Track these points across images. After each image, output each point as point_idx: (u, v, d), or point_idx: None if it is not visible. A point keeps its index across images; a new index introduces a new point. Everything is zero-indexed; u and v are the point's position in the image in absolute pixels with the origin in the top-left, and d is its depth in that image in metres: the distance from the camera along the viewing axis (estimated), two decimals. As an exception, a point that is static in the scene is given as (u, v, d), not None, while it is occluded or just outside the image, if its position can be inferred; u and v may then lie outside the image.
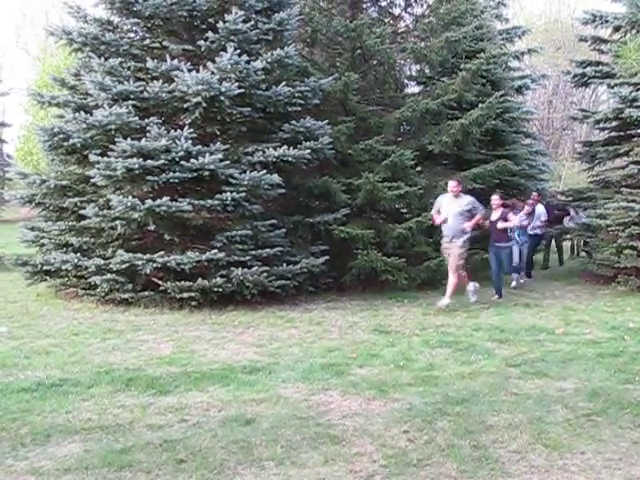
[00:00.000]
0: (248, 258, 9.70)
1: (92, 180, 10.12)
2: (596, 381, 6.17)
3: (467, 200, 10.08)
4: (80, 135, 10.19)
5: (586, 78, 15.31)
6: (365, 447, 4.54)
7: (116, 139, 9.74)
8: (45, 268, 10.37)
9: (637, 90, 13.31)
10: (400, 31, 14.12)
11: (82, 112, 10.15)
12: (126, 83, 10.02)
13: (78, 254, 10.13)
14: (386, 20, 14.03)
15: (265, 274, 9.58)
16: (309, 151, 10.38)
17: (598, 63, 15.40)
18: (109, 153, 9.80)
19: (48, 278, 10.71)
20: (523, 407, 5.38)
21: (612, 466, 4.26)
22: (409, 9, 14.31)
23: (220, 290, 9.44)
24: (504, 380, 6.20)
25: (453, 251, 9.98)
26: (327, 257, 10.46)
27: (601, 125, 14.96)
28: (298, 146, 10.37)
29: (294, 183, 10.58)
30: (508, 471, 4.16)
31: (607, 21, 14.45)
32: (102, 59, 10.32)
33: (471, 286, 10.27)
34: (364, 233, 10.93)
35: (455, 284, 9.92)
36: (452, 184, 10.17)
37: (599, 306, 10.42)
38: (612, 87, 14.73)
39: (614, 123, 14.25)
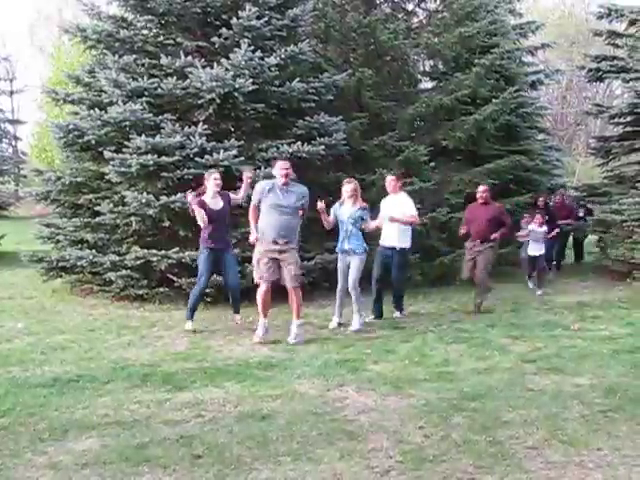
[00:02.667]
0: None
1: (107, 177, 10.16)
2: (612, 377, 6.14)
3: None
4: (95, 132, 10.22)
5: (600, 73, 15.22)
6: (381, 443, 4.54)
7: (130, 136, 9.78)
8: (60, 264, 10.42)
9: (653, 85, 13.24)
10: (414, 26, 14.10)
11: (96, 109, 10.19)
12: (140, 80, 10.04)
13: (93, 250, 10.16)
14: (400, 16, 14.01)
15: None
16: (323, 147, 10.37)
17: (613, 57, 15.32)
18: (124, 150, 9.82)
19: (63, 274, 10.76)
20: (539, 403, 5.37)
21: (629, 462, 4.24)
22: (422, 4, 14.29)
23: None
24: (519, 376, 6.19)
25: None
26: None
27: (616, 120, 14.90)
28: (312, 142, 10.36)
29: (308, 179, 10.51)
30: (525, 467, 4.15)
31: (623, 15, 14.36)
32: (116, 56, 10.37)
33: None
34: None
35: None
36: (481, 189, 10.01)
37: (614, 302, 10.37)
38: (627, 81, 14.70)
39: (629, 118, 14.18)
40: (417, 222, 9.20)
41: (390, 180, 9.11)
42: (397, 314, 9.16)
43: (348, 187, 8.48)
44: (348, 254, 8.48)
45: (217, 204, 8.30)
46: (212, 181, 8.30)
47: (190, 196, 8.24)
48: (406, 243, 8.89)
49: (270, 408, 5.27)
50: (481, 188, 10.07)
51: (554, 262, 14.17)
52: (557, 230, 12.97)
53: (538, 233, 11.58)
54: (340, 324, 8.47)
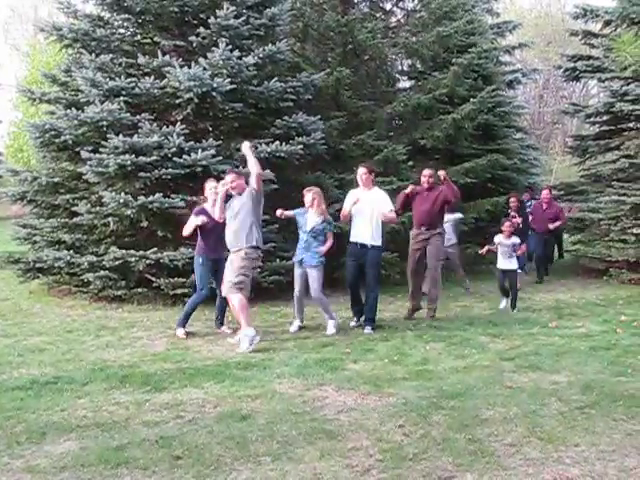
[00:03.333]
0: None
1: (84, 177, 10.10)
2: (589, 374, 6.20)
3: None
4: (71, 132, 10.16)
5: (577, 72, 15.36)
6: (361, 442, 4.55)
7: (108, 136, 9.72)
8: (37, 265, 10.34)
9: (628, 84, 13.39)
10: (392, 26, 14.17)
11: (73, 109, 10.12)
12: (117, 79, 9.99)
13: (71, 251, 10.10)
14: (377, 15, 14.07)
15: (258, 269, 9.57)
16: (301, 146, 10.37)
17: (589, 57, 15.46)
18: (101, 150, 9.76)
19: (40, 275, 10.67)
20: (517, 400, 5.40)
21: (606, 458, 4.29)
22: (400, 4, 14.38)
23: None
24: (498, 374, 6.22)
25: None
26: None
27: (592, 119, 15.03)
28: (290, 141, 10.36)
29: (286, 179, 10.56)
30: (503, 464, 4.18)
31: (598, 15, 14.49)
32: (93, 55, 10.32)
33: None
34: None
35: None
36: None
37: (591, 299, 10.48)
38: (603, 81, 14.86)
39: (605, 117, 14.32)
40: (394, 219, 8.76)
41: (362, 173, 8.47)
42: (368, 329, 8.20)
43: (308, 197, 8.22)
44: (304, 264, 8.19)
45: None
46: (208, 190, 8.25)
47: (201, 219, 8.08)
48: (380, 241, 8.38)
49: (250, 408, 5.26)
50: (425, 172, 9.13)
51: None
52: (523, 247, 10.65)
53: (505, 246, 9.70)
54: (301, 327, 8.33)
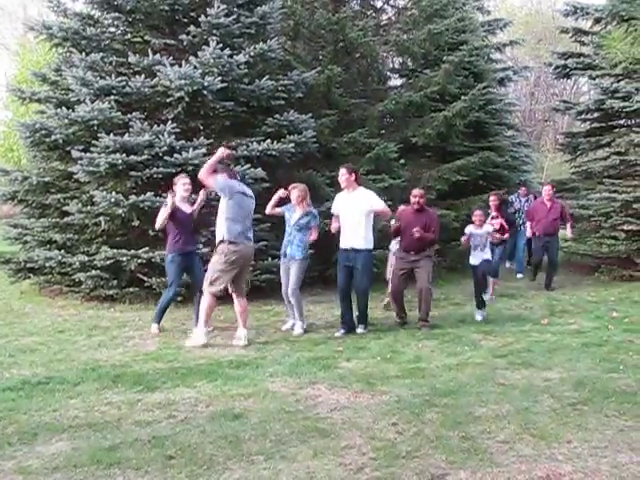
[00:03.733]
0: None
1: (75, 176, 10.06)
2: (581, 370, 6.22)
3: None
4: (62, 131, 10.12)
5: (568, 70, 15.41)
6: (354, 440, 4.55)
7: (99, 135, 9.69)
8: (29, 265, 10.30)
9: (618, 81, 13.44)
10: (382, 24, 14.16)
11: (64, 108, 10.09)
12: (108, 78, 9.96)
13: (62, 251, 10.07)
14: (368, 13, 14.06)
15: (251, 268, 9.55)
16: (293, 145, 10.36)
17: (579, 55, 15.51)
18: (92, 149, 9.73)
19: (32, 275, 10.63)
20: (510, 397, 5.41)
21: (598, 454, 4.30)
22: (391, 1, 14.39)
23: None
24: (491, 371, 6.23)
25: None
26: (312, 250, 10.43)
27: (583, 116, 15.10)
28: (282, 140, 10.35)
29: (278, 177, 10.53)
30: (497, 461, 4.18)
31: (588, 13, 14.56)
32: (83, 54, 10.28)
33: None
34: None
35: None
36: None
37: (583, 296, 10.51)
38: (593, 78, 14.89)
39: (596, 114, 14.38)
40: (389, 213, 8.45)
41: (341, 174, 8.08)
42: (360, 329, 8.14)
43: (294, 194, 8.26)
44: (289, 259, 8.27)
45: (187, 208, 8.25)
46: (181, 186, 8.21)
47: (170, 200, 8.06)
48: (371, 244, 8.07)
49: (242, 407, 5.25)
50: (416, 192, 8.65)
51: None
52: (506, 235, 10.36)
53: (478, 236, 9.04)
54: (294, 324, 8.29)
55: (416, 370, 6.27)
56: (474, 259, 9.06)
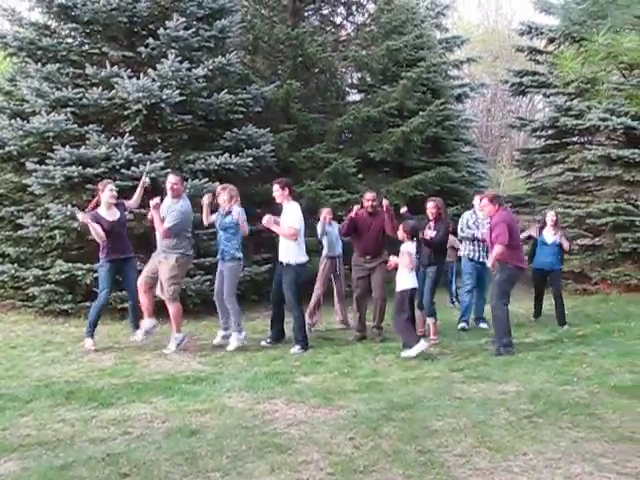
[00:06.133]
0: (190, 267, 9.61)
1: (29, 189, 9.92)
2: (536, 383, 6.30)
3: None
4: (16, 142, 9.97)
5: (523, 87, 15.69)
6: (311, 455, 4.53)
7: (54, 147, 9.56)
8: (-20, 280, 10.09)
9: (571, 99, 13.77)
10: (341, 39, 14.27)
11: (18, 119, 9.93)
12: (64, 89, 9.84)
13: (15, 264, 9.92)
14: (328, 28, 14.16)
15: (208, 283, 9.49)
16: (251, 159, 10.35)
17: (534, 73, 15.80)
18: (47, 161, 9.60)
19: (-17, 290, 10.41)
20: (467, 411, 5.45)
21: (553, 465, 4.35)
22: (350, 18, 14.48)
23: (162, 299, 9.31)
24: (448, 385, 6.27)
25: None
26: (270, 265, 10.41)
27: (538, 133, 15.38)
28: (240, 154, 10.33)
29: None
30: (453, 475, 4.20)
31: (542, 33, 14.89)
32: (39, 64, 10.14)
33: None
34: (307, 240, 10.94)
35: None
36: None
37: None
38: (548, 96, 15.23)
39: (550, 131, 14.66)
40: (290, 235, 7.85)
41: (275, 190, 8.04)
42: (294, 349, 7.80)
43: (222, 196, 8.05)
44: (223, 262, 8.00)
45: (114, 215, 8.05)
46: (107, 192, 8.03)
47: (80, 214, 8.04)
48: (295, 259, 7.89)
49: (199, 423, 5.19)
50: (368, 195, 8.56)
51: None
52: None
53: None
54: (226, 337, 8.10)
55: (373, 384, 6.28)
56: (407, 282, 7.67)
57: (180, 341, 7.83)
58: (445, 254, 8.92)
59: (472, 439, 4.80)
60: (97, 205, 8.11)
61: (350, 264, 8.91)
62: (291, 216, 7.93)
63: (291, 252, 7.92)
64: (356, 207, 8.63)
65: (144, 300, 7.88)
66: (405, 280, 7.60)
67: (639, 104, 10.62)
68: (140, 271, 8.11)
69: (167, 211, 7.77)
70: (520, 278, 8.30)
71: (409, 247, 7.64)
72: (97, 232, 7.83)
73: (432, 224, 8.49)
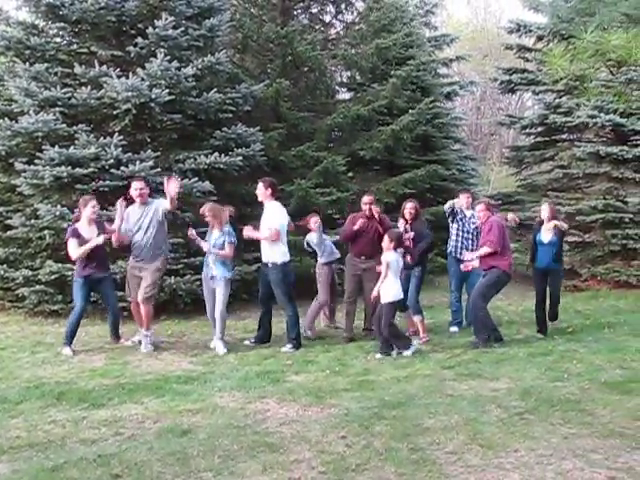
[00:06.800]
0: (180, 267, 9.60)
1: (18, 189, 9.87)
2: (528, 380, 6.32)
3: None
4: (5, 143, 9.90)
5: (512, 85, 15.71)
6: (303, 454, 4.53)
7: (43, 147, 9.51)
8: (-31, 281, 10.03)
9: (560, 97, 13.80)
10: (331, 38, 14.25)
11: (6, 119, 9.86)
12: (53, 89, 9.78)
13: (4, 265, 9.85)
14: (317, 27, 14.14)
15: (198, 282, 9.47)
16: (241, 158, 10.32)
17: (523, 70, 15.83)
18: (36, 161, 9.54)
19: (-28, 291, 10.35)
20: (458, 408, 5.46)
21: (544, 461, 4.37)
22: (339, 16, 14.46)
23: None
24: (439, 382, 6.28)
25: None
26: (260, 264, 10.38)
27: (527, 130, 15.41)
28: (229, 153, 10.30)
29: (226, 190, 10.48)
30: (445, 472, 4.21)
31: (531, 31, 14.94)
32: (27, 64, 10.05)
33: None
34: (296, 240, 10.92)
35: None
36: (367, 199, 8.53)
37: (529, 307, 10.60)
38: (537, 94, 15.29)
39: (539, 129, 14.69)
40: (271, 237, 7.86)
41: (258, 188, 8.07)
42: (285, 347, 7.89)
43: (208, 217, 8.02)
44: (213, 281, 7.97)
45: (93, 232, 7.83)
46: (89, 209, 7.85)
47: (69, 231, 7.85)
48: (280, 257, 7.93)
49: (190, 423, 5.19)
50: (366, 199, 8.52)
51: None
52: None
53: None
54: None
55: (365, 383, 6.29)
56: (392, 292, 7.60)
57: (150, 337, 7.95)
58: (429, 252, 8.93)
59: (464, 436, 4.81)
60: (77, 220, 7.98)
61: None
62: (271, 216, 7.95)
63: (275, 252, 7.94)
64: (361, 221, 8.46)
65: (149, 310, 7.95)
66: (391, 290, 7.55)
67: (627, 101, 10.71)
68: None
69: (141, 219, 7.94)
70: (507, 283, 8.28)
71: (390, 257, 7.58)
72: (84, 251, 7.68)
73: (408, 226, 8.42)
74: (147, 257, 7.89)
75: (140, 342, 8.00)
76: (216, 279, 7.92)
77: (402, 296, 7.76)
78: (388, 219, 8.72)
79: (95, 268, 7.85)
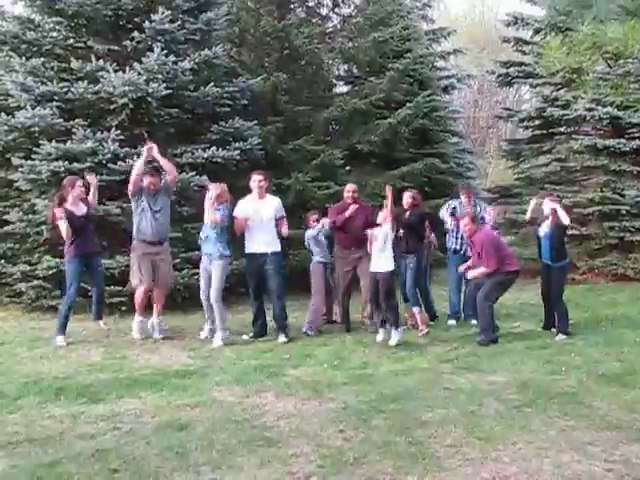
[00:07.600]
0: (178, 261, 9.58)
1: (16, 184, 9.88)
2: (525, 373, 6.33)
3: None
4: (2, 138, 9.92)
5: (510, 78, 15.73)
6: (301, 448, 4.53)
7: (40, 142, 9.51)
8: (-33, 276, 10.03)
9: (558, 90, 13.81)
10: (328, 31, 14.20)
11: (3, 114, 9.86)
12: (50, 84, 9.77)
13: (2, 261, 9.87)
14: (314, 20, 14.08)
15: (196, 277, 9.46)
16: (238, 152, 10.31)
17: (521, 63, 15.83)
18: (33, 156, 9.54)
19: (-30, 286, 10.35)
20: (456, 402, 5.46)
21: (542, 454, 4.37)
22: (337, 9, 14.42)
23: (150, 294, 9.27)
24: (437, 376, 6.29)
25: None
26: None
27: (525, 124, 15.42)
28: (227, 147, 10.29)
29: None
30: (443, 465, 4.21)
31: (528, 24, 14.94)
32: (23, 59, 10.03)
33: None
34: (295, 233, 10.92)
35: None
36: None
37: (527, 299, 10.66)
38: (534, 87, 15.29)
39: (537, 122, 14.68)
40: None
41: (259, 180, 8.08)
42: (281, 338, 7.92)
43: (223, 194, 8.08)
44: (209, 259, 7.97)
45: (81, 210, 8.00)
46: (77, 188, 7.96)
47: (58, 211, 7.83)
48: (279, 246, 8.11)
49: (188, 417, 5.18)
50: (349, 187, 8.73)
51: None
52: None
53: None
54: (213, 330, 8.01)
55: (363, 376, 6.29)
56: (376, 264, 7.83)
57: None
58: (422, 240, 8.87)
59: (462, 429, 4.81)
60: (63, 201, 7.94)
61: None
62: (278, 206, 8.24)
63: (277, 242, 8.12)
64: (352, 207, 8.52)
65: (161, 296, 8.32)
66: (389, 260, 7.73)
67: (624, 94, 10.70)
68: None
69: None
70: (515, 280, 8.25)
71: (387, 228, 7.69)
72: (67, 230, 7.76)
73: (407, 214, 8.53)
74: (165, 249, 8.41)
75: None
76: (214, 256, 7.89)
77: (378, 269, 7.79)
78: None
79: (86, 243, 7.97)
